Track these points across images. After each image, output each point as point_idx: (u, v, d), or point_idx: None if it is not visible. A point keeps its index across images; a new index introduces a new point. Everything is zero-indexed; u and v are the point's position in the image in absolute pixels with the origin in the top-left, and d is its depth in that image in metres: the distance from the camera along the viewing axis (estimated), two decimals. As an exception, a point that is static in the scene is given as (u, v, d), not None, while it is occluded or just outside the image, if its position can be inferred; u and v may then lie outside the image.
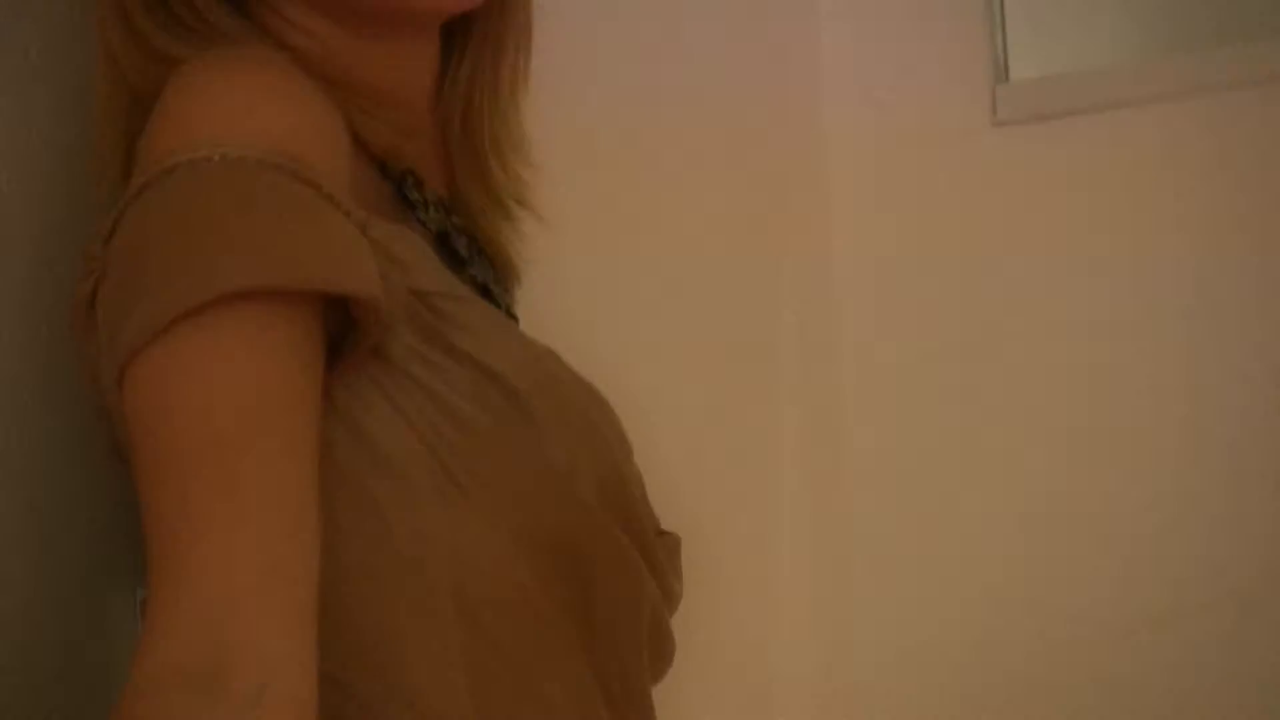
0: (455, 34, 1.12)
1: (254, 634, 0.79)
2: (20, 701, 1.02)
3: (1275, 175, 1.53)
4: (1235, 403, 1.54)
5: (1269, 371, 1.53)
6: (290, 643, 0.81)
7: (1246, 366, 1.54)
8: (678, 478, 1.22)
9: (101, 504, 1.12)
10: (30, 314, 1.04)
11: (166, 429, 0.84)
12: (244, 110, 0.89)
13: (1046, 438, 1.55)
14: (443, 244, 1.06)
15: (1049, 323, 1.57)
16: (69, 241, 1.07)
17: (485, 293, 1.08)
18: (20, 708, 1.02)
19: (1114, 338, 1.56)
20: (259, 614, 0.80)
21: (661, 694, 1.09)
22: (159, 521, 0.83)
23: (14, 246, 1.04)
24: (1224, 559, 1.53)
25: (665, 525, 1.11)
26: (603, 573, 0.97)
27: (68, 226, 1.07)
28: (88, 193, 1.08)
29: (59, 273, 1.06)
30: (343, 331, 0.91)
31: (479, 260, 1.12)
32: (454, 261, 1.06)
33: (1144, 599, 1.52)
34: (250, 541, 0.82)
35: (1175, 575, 1.53)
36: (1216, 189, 1.55)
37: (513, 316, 1.15)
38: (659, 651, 1.05)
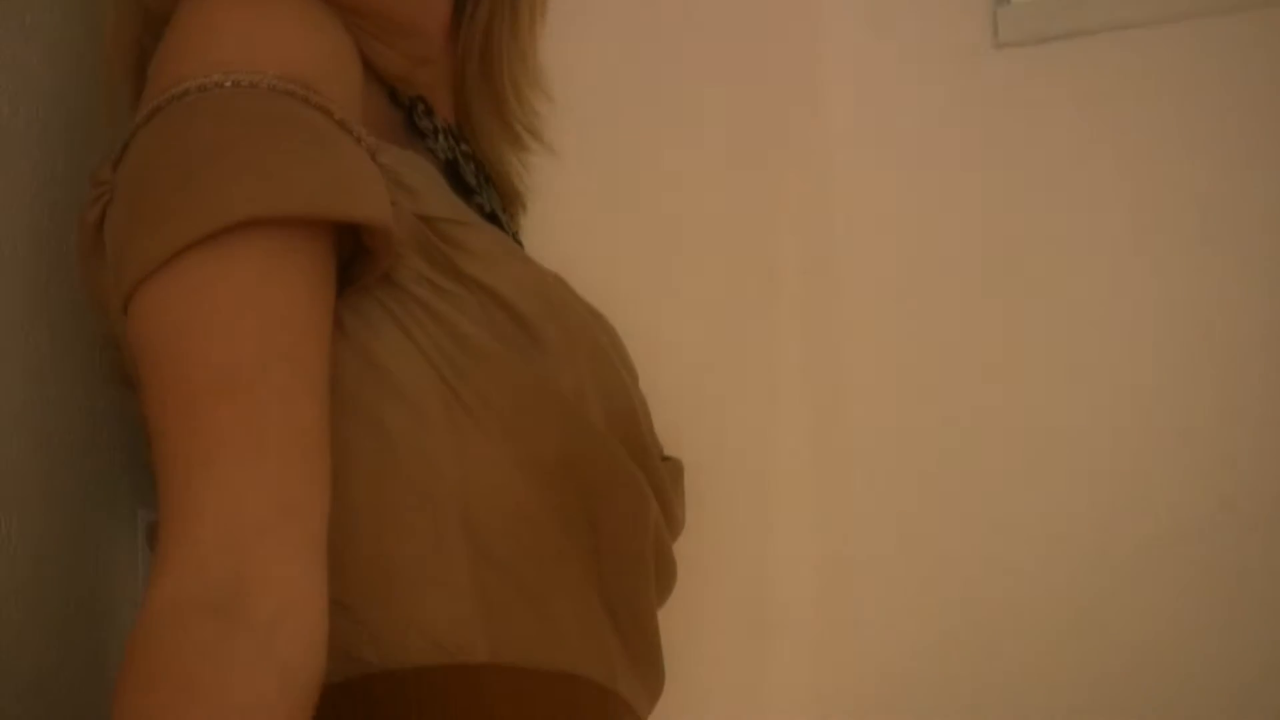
0: None
1: (271, 567, 0.81)
2: (22, 622, 1.02)
3: (1280, 97, 1.53)
4: (1238, 323, 1.52)
5: (1272, 291, 1.52)
6: (305, 576, 0.82)
7: (1249, 286, 1.52)
8: (679, 404, 1.22)
9: (101, 426, 1.11)
10: (32, 237, 1.04)
11: (179, 358, 0.84)
12: (256, 34, 0.88)
13: (1046, 356, 1.54)
14: (451, 172, 1.05)
15: (1050, 244, 1.55)
16: (73, 165, 1.06)
17: (493, 220, 1.08)
18: (22, 629, 1.02)
19: (1116, 258, 1.55)
20: (276, 548, 0.81)
21: (661, 618, 1.10)
22: (172, 451, 0.83)
23: (16, 169, 1.02)
24: (1224, 480, 1.52)
25: (667, 451, 1.12)
26: (610, 498, 0.97)
27: (72, 150, 1.06)
28: (93, 114, 1.07)
29: (62, 197, 1.05)
30: (352, 257, 0.91)
31: (487, 188, 1.12)
32: (463, 189, 1.05)
33: (1144, 520, 1.51)
34: (266, 474, 0.83)
35: (1175, 497, 1.52)
36: (1222, 110, 1.53)
37: (519, 243, 1.14)
38: (662, 576, 1.06)
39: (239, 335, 0.84)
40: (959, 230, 1.56)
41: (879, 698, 1.49)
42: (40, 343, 1.05)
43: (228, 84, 0.86)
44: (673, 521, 1.07)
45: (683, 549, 1.11)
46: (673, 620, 1.11)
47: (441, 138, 1.06)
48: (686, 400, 1.37)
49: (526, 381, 0.93)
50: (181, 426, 0.83)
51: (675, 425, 1.14)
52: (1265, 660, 1.49)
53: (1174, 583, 1.51)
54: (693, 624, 1.30)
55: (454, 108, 1.13)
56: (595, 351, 0.98)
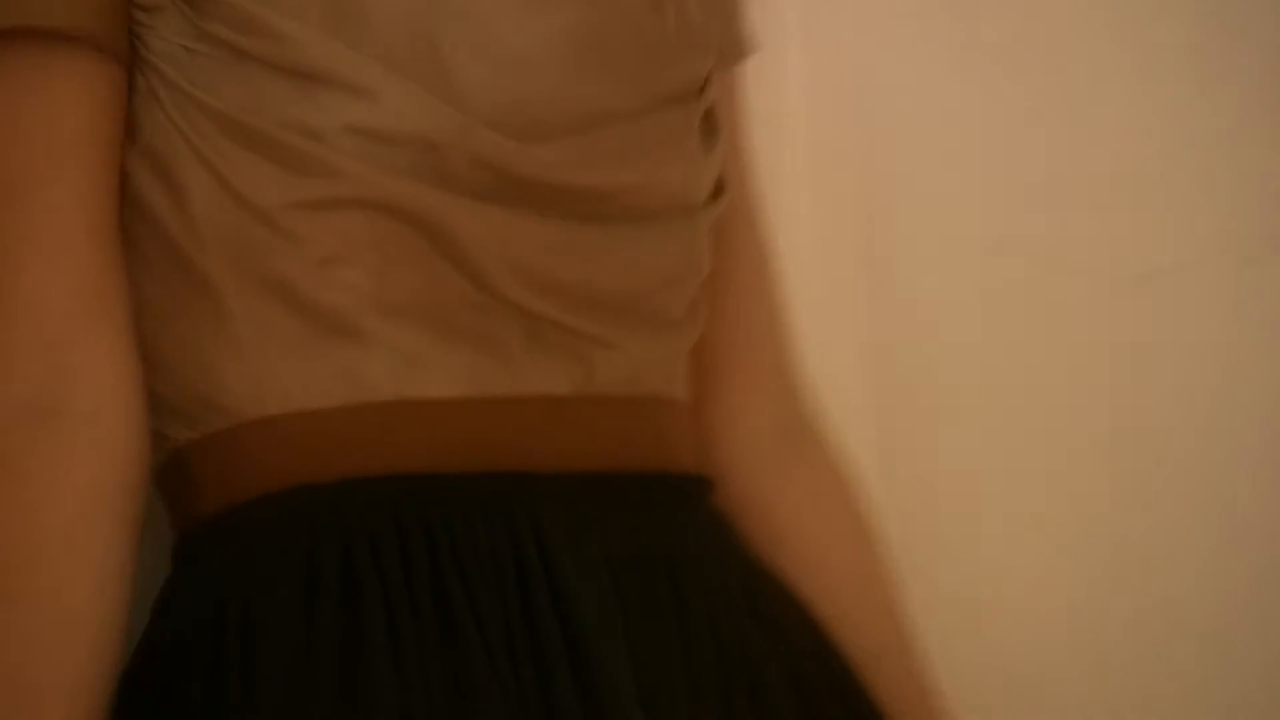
0: None
1: (87, 359, 0.87)
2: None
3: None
4: (1239, 66, 1.50)
5: (1264, 31, 1.51)
6: (121, 365, 0.88)
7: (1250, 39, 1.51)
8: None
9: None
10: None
11: None
12: None
13: (1058, 85, 1.52)
14: None
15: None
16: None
17: None
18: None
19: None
20: (90, 341, 0.87)
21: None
22: None
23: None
24: (1225, 212, 1.51)
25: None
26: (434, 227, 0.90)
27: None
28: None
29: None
30: None
31: None
32: None
33: (1146, 253, 1.51)
34: (68, 269, 0.87)
35: (1176, 229, 1.51)
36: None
37: None
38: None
39: (19, 140, 0.88)
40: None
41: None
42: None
43: None
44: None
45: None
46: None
47: None
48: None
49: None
50: None
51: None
52: (1259, 386, 1.51)
53: (1175, 313, 1.51)
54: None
55: None
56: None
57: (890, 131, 1.51)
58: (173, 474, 0.94)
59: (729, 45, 1.12)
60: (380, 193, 0.87)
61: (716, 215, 1.04)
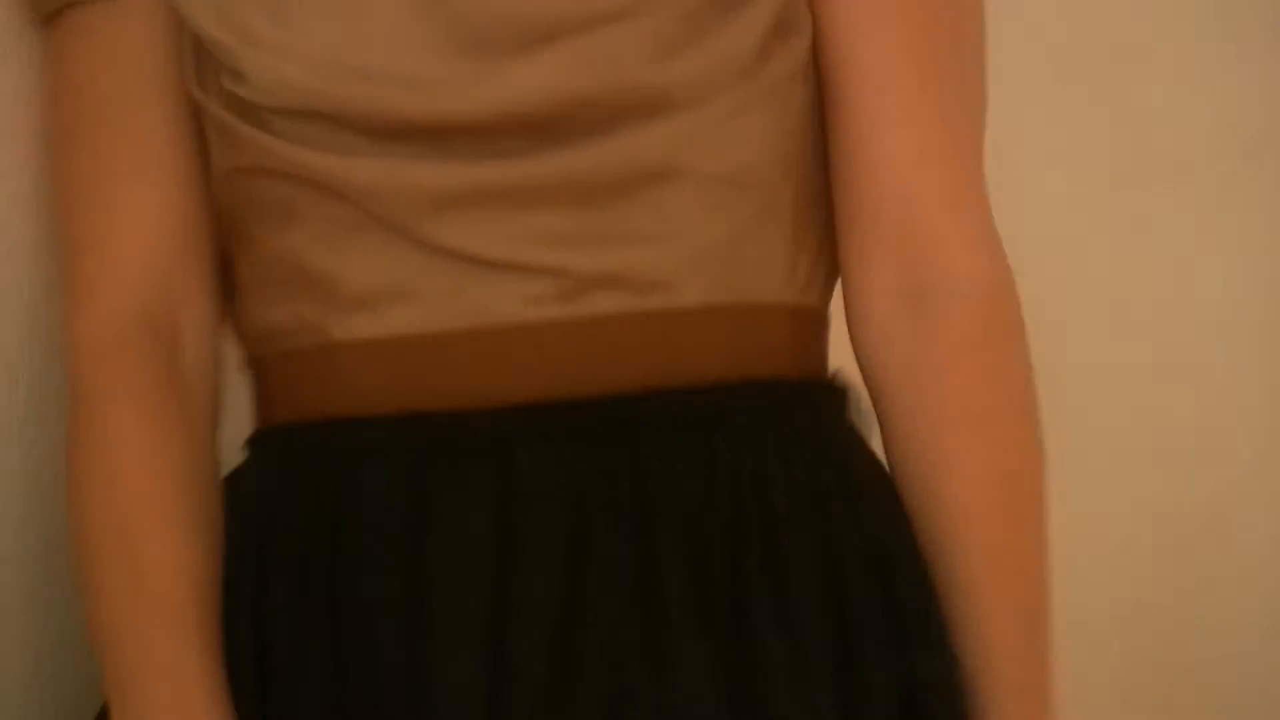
0: None
1: (189, 291, 0.91)
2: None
3: None
4: None
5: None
6: (212, 300, 0.93)
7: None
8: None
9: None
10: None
11: (50, 110, 0.95)
12: None
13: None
14: None
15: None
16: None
17: None
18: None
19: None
20: (191, 265, 0.91)
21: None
22: (68, 179, 0.93)
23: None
24: (1230, 112, 1.53)
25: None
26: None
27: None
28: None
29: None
30: None
31: None
32: None
33: (1152, 151, 1.53)
34: (166, 194, 0.91)
35: (1181, 126, 1.53)
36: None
37: None
38: None
39: (107, 70, 0.92)
40: None
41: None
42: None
43: None
44: None
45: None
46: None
47: None
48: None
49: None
50: (74, 167, 0.92)
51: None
52: (1259, 280, 1.55)
53: (1179, 209, 1.54)
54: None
55: None
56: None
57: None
58: None
59: None
60: (286, 164, 0.87)
61: (775, 76, 0.89)
